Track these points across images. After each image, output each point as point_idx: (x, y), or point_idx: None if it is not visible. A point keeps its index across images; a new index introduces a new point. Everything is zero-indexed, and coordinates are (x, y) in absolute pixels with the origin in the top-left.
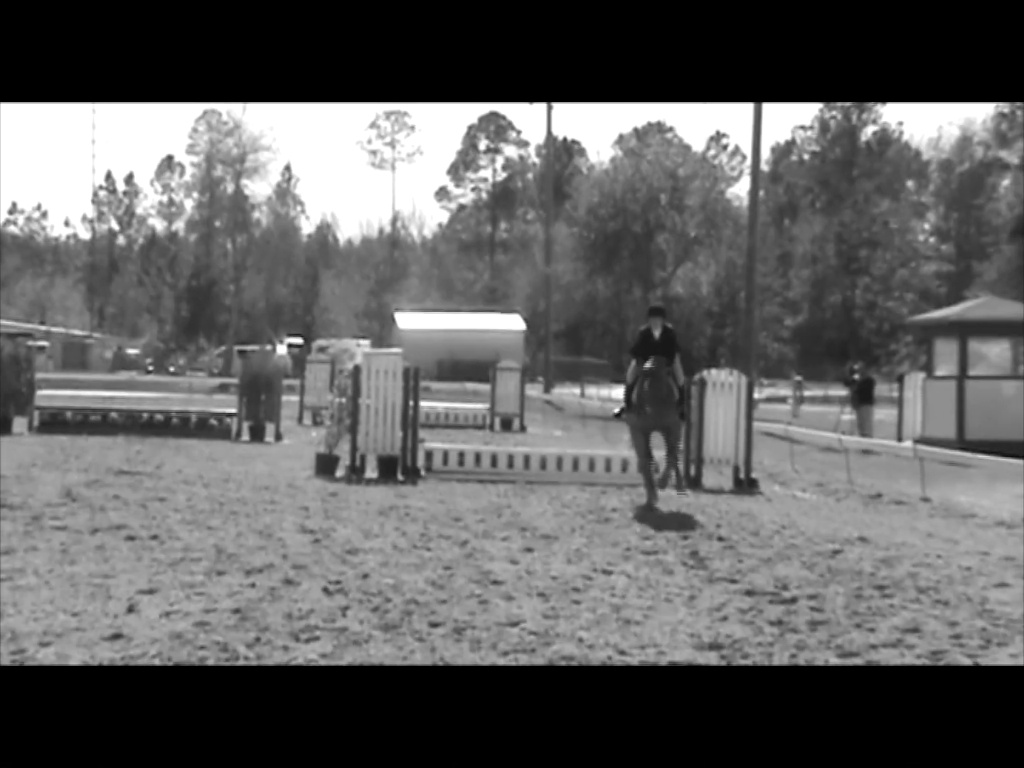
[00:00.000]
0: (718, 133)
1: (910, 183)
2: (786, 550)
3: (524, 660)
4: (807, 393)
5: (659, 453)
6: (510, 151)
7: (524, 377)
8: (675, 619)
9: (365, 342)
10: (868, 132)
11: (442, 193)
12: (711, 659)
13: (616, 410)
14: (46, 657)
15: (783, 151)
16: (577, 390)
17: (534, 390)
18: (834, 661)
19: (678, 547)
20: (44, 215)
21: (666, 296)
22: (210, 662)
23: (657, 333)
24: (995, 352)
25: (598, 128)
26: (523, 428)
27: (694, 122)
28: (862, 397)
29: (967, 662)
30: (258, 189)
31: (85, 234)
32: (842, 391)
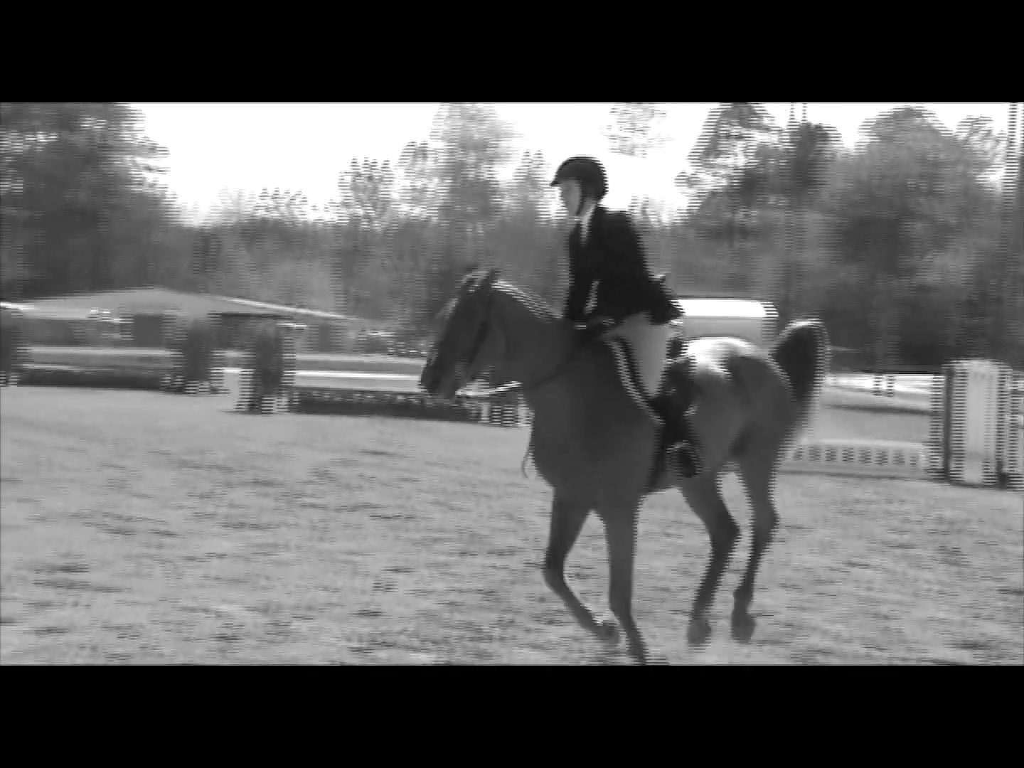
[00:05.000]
0: (976, 118)
1: None
2: None
3: None
4: None
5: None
6: (758, 137)
7: None
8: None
9: None
10: None
11: (683, 179)
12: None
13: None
14: (298, 628)
15: None
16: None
17: None
18: None
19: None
20: (304, 200)
21: (924, 286)
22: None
23: (585, 226)
24: None
25: (847, 113)
26: None
27: (949, 105)
28: None
29: None
30: (502, 175)
31: (339, 219)
32: None
